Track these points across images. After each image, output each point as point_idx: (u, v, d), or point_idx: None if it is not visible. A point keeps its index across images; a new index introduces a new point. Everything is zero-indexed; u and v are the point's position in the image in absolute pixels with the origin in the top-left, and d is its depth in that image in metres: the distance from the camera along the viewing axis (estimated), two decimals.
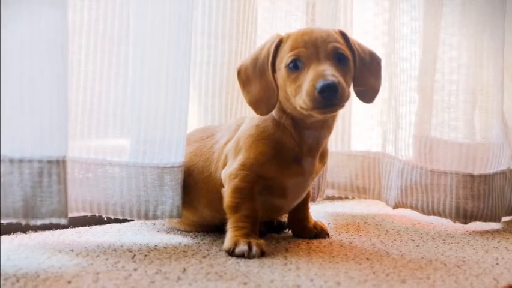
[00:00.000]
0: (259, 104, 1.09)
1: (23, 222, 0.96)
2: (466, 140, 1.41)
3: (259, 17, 1.43)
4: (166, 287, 0.85)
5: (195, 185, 1.16)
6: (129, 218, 1.15)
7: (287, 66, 1.04)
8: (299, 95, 1.01)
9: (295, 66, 1.03)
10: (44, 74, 0.96)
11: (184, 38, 1.13)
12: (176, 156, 1.14)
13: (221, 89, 1.37)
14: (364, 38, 1.59)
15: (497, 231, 1.35)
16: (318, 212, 1.29)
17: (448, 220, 1.39)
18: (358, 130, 1.64)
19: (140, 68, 1.12)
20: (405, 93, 1.44)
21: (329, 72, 0.99)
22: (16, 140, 0.95)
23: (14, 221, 0.97)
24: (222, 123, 1.33)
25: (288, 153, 1.09)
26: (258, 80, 1.09)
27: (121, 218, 1.15)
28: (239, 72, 1.11)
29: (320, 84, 0.98)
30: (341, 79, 1.00)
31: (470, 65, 1.40)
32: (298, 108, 1.03)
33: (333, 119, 1.12)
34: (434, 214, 1.39)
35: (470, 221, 1.36)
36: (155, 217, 1.14)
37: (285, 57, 1.05)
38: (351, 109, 1.60)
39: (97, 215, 1.15)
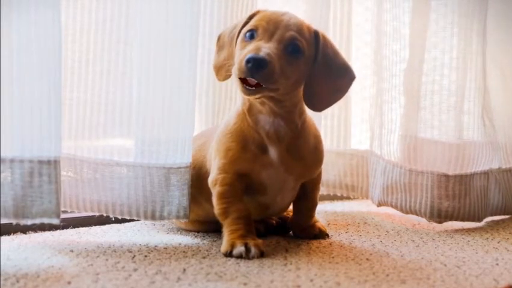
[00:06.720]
0: (220, 69, 1.12)
1: (14, 222, 0.96)
2: (444, 139, 1.42)
3: None
4: None
5: (197, 179, 1.17)
6: (136, 219, 1.15)
7: (244, 33, 1.05)
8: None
9: (251, 36, 1.04)
10: (36, 75, 0.96)
11: (189, 38, 1.12)
12: (183, 156, 1.14)
13: (214, 88, 1.36)
14: (363, 38, 1.60)
15: (497, 231, 1.35)
16: (317, 212, 1.29)
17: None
18: (357, 130, 1.64)
19: (145, 68, 1.12)
20: (391, 93, 1.44)
21: (266, 49, 0.99)
22: (7, 140, 0.95)
23: (4, 221, 0.97)
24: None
25: (251, 142, 1.08)
26: (228, 46, 1.11)
27: (128, 218, 1.15)
28: (218, 38, 1.14)
29: (249, 55, 0.98)
30: (275, 61, 0.99)
31: (453, 67, 1.41)
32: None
33: (282, 106, 1.07)
34: (412, 213, 1.40)
35: (445, 221, 1.37)
36: (162, 217, 1.14)
37: (247, 26, 1.06)
38: (348, 109, 1.60)
39: (104, 215, 1.15)
